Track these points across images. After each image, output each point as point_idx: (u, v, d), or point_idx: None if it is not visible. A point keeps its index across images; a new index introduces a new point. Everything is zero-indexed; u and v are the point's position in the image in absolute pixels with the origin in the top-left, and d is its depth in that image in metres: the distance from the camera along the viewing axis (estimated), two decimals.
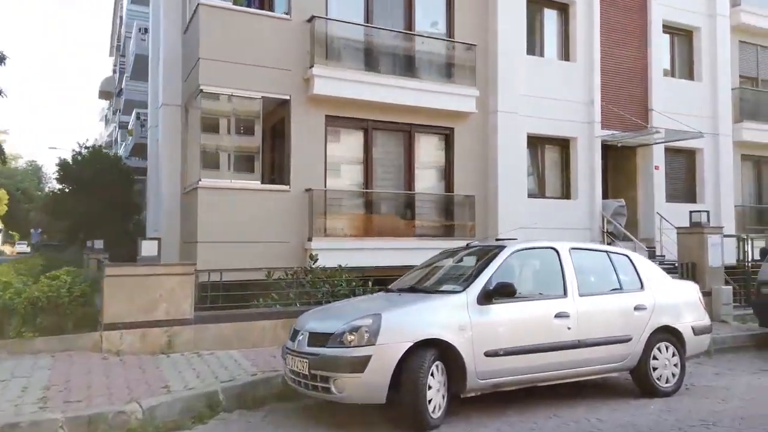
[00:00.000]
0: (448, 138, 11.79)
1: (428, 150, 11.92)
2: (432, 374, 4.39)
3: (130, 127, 25.08)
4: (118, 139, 34.85)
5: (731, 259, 11.79)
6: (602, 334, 5.19)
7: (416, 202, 11.31)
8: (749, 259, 11.51)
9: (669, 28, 14.25)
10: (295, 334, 4.94)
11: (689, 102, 14.08)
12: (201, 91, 9.58)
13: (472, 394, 4.76)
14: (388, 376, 4.27)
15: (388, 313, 4.53)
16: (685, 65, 14.70)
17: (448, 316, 4.59)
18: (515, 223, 11.67)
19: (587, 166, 12.83)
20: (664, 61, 14.27)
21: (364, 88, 10.43)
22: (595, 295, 5.34)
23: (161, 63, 11.85)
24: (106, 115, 49.03)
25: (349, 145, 11.09)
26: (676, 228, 11.35)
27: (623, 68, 13.53)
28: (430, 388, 4.36)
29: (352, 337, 4.37)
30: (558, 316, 5.02)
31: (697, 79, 14.54)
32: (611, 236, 12.68)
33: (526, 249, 5.38)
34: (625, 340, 5.31)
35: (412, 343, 4.35)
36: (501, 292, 4.75)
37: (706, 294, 9.86)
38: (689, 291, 6.05)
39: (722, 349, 8.01)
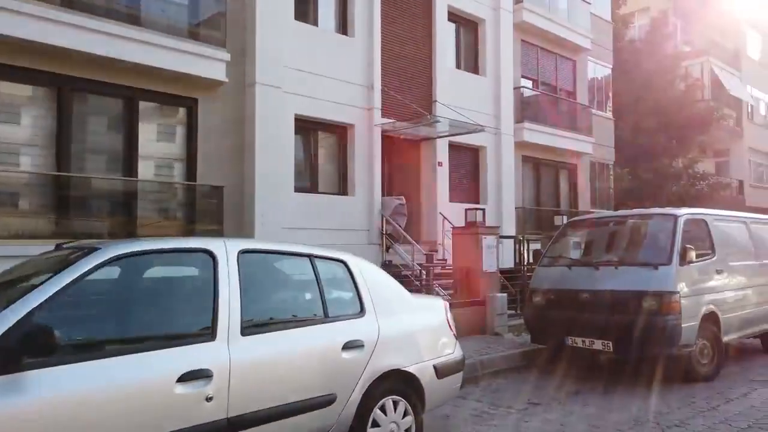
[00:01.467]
0: (190, 112, 9.19)
1: (161, 125, 9.20)
2: None
3: None
4: None
5: (511, 263, 11.04)
6: (280, 401, 3.05)
7: (139, 194, 8.51)
8: (526, 263, 10.84)
9: (455, 17, 13.39)
10: None
11: (474, 97, 13.36)
12: None
13: None
14: None
15: None
16: (471, 58, 14.01)
17: None
18: (278, 223, 9.53)
19: (366, 158, 11.22)
20: (450, 51, 13.38)
21: (54, 30, 7.37)
22: (275, 330, 3.24)
23: None
24: None
25: (31, 111, 7.91)
26: (451, 228, 10.21)
27: (407, 53, 12.25)
28: None
29: None
30: (187, 378, 2.75)
31: (482, 74, 13.93)
32: (390, 238, 11.21)
33: (136, 254, 2.94)
34: (325, 402, 3.26)
35: None
36: (34, 347, 2.32)
37: (480, 303, 8.69)
38: (434, 311, 4.22)
39: (492, 373, 6.66)
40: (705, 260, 6.59)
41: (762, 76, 28.16)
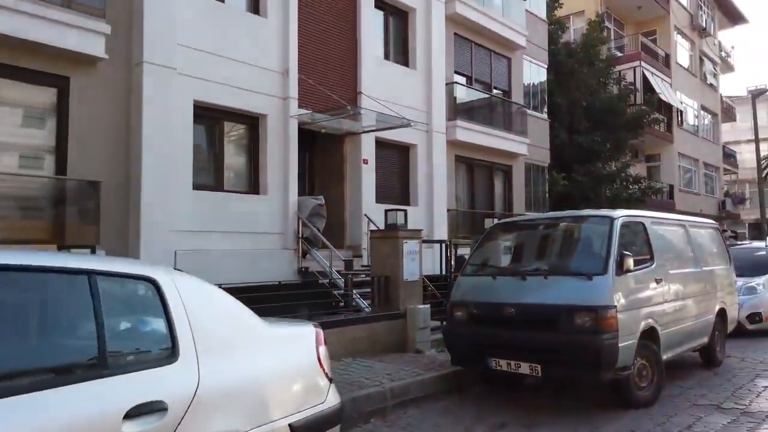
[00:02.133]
0: (61, 93, 7.75)
1: (24, 108, 7.72)
2: None
3: None
4: None
5: (440, 270, 10.13)
6: None
7: None
8: (453, 270, 9.94)
9: (383, 3, 12.44)
10: None
11: (403, 91, 12.43)
12: None
13: None
14: None
15: None
16: (400, 49, 13.09)
17: None
18: (171, 226, 8.23)
19: (281, 153, 10.03)
20: (378, 41, 12.40)
21: None
22: None
23: None
24: None
25: None
26: (370, 231, 9.20)
27: (329, 38, 11.17)
28: None
29: None
30: None
31: (412, 67, 13.03)
32: (307, 243, 10.07)
33: None
34: None
35: None
36: None
37: (399, 316, 7.69)
38: (298, 345, 3.14)
39: (404, 402, 5.65)
40: (643, 268, 5.83)
41: (691, 83, 28.86)
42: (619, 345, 5.14)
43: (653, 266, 5.99)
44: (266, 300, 7.42)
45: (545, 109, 18.11)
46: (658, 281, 5.99)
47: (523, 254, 6.55)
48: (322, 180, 12.01)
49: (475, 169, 15.27)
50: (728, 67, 34.99)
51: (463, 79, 14.84)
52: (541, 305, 5.40)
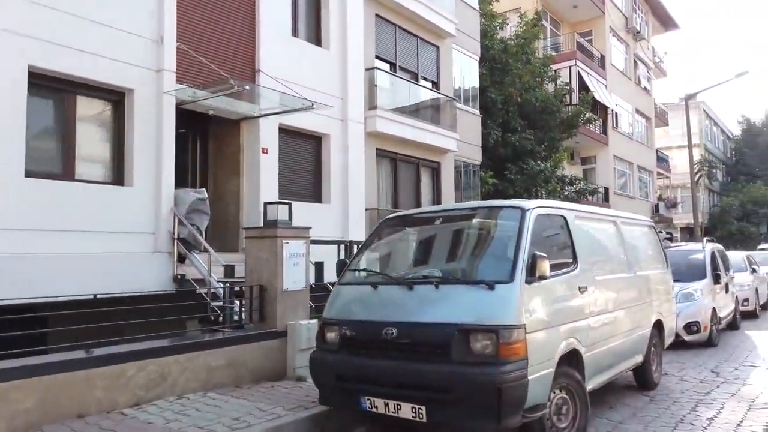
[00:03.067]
0: None
1: None
2: None
3: None
4: None
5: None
6: None
7: None
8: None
9: None
10: None
11: (314, 73, 10.94)
12: None
13: None
14: None
15: None
16: (312, 26, 11.60)
17: None
18: None
19: (152, 136, 8.32)
20: (284, 13, 10.82)
21: None
22: None
23: None
24: None
25: None
26: (244, 229, 7.65)
27: (221, 4, 9.55)
28: None
29: None
30: None
31: (325, 47, 11.57)
32: (185, 245, 8.38)
33: None
34: None
35: None
36: None
37: (278, 335, 6.18)
38: None
39: None
40: (563, 274, 4.57)
41: (625, 86, 28.76)
42: (529, 378, 3.82)
43: (576, 271, 4.74)
44: (125, 315, 5.79)
45: (477, 105, 17.04)
46: (582, 290, 4.74)
47: (416, 256, 5.18)
48: (216, 172, 10.36)
49: (400, 165, 13.94)
50: (661, 72, 35.41)
51: (386, 66, 13.51)
52: (428, 325, 4.02)
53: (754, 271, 13.44)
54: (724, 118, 50.66)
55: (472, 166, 16.54)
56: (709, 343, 9.18)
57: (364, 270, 4.89)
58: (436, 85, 15.13)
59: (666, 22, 33.81)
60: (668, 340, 6.98)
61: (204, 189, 9.03)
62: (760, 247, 23.24)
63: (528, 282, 4.02)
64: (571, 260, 4.81)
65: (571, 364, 4.44)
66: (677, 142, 37.99)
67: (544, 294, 4.20)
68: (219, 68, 8.92)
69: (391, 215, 5.47)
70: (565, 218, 4.93)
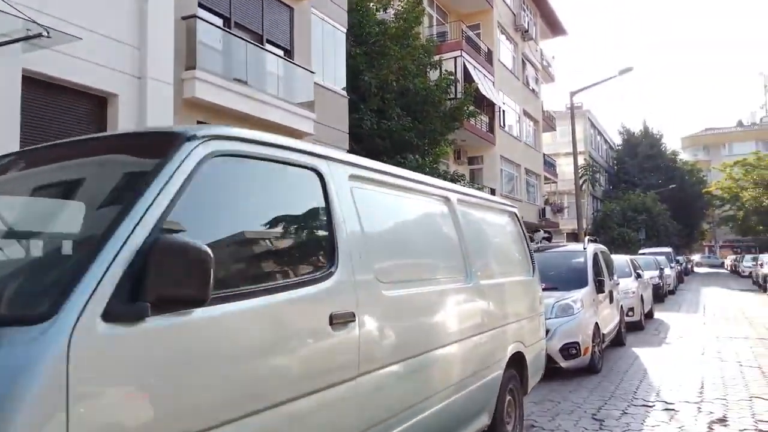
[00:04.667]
0: None
1: None
2: None
3: None
4: None
5: None
6: None
7: None
8: None
9: None
10: None
11: (92, 7, 7.92)
12: None
13: None
14: None
15: None
16: None
17: None
18: None
19: None
20: None
21: None
22: None
23: None
24: None
25: None
26: None
27: None
28: None
29: None
30: None
31: None
32: None
33: None
34: None
35: None
36: None
37: None
38: None
39: None
40: (289, 287, 2.07)
41: (513, 85, 27.86)
42: None
43: (330, 281, 2.26)
44: None
45: (344, 84, 14.65)
46: (340, 321, 2.26)
47: None
48: None
49: None
50: (549, 77, 35.28)
51: (217, 20, 10.71)
52: None
53: (638, 276, 12.04)
54: (608, 128, 52.58)
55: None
56: (591, 369, 7.25)
57: None
58: (289, 53, 12.54)
59: (554, 26, 33.67)
60: (534, 379, 4.77)
61: None
62: (641, 251, 22.88)
63: (114, 319, 1.45)
64: (326, 261, 2.32)
65: None
66: (564, 149, 38.16)
67: (187, 346, 1.66)
68: None
69: None
70: (319, 174, 2.43)
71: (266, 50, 11.73)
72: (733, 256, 46.05)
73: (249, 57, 11.21)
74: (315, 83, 12.79)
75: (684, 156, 58.77)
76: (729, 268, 44.37)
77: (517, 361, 4.32)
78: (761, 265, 23.56)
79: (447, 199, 3.70)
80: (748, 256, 35.78)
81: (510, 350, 4.15)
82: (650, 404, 5.71)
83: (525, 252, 4.98)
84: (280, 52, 12.33)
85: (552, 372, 6.77)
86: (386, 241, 2.87)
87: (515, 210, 5.16)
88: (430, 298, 3.07)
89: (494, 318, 3.88)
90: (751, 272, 29.17)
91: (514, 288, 4.42)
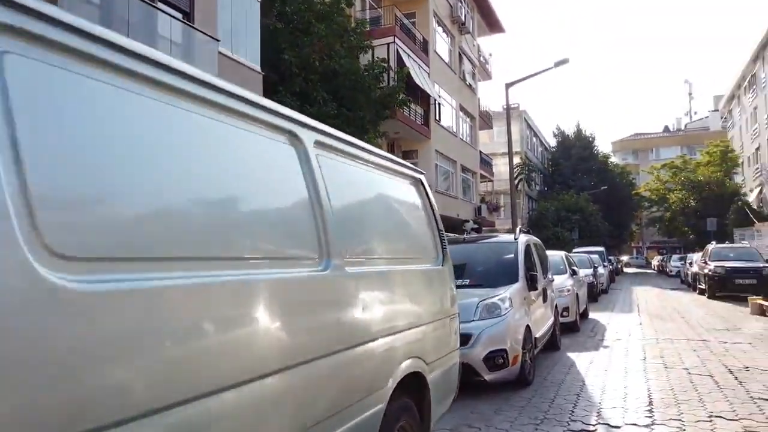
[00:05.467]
0: None
1: None
2: None
3: None
4: None
5: None
6: None
7: None
8: None
9: None
10: None
11: None
12: None
13: None
14: None
15: None
16: None
17: None
18: None
19: None
20: None
21: None
22: None
23: None
24: None
25: None
26: None
27: None
28: None
29: None
30: None
31: None
32: None
33: None
34: None
35: None
36: None
37: None
38: None
39: None
40: None
41: (450, 79, 27.00)
42: None
43: None
44: None
45: (257, 58, 13.08)
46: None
47: None
48: None
49: None
50: (486, 74, 34.78)
51: None
52: None
53: (574, 273, 11.13)
54: (543, 130, 53.10)
55: None
56: (521, 381, 6.07)
57: None
58: (188, 17, 10.87)
59: (492, 23, 33.17)
60: (441, 407, 3.47)
61: None
62: (575, 250, 22.44)
63: None
64: None
65: None
66: (501, 149, 37.78)
67: None
68: None
69: None
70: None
71: (158, 8, 10.02)
72: (660, 257, 47.52)
73: (133, 15, 9.48)
74: (220, 53, 11.19)
75: (615, 159, 60.30)
76: (656, 269, 45.64)
77: (414, 384, 3.00)
78: (690, 264, 23.69)
79: (295, 137, 2.31)
80: (675, 256, 36.59)
81: (401, 371, 2.82)
82: (591, 428, 4.56)
83: (432, 233, 3.68)
84: (178, 15, 10.64)
85: (473, 387, 5.56)
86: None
87: (422, 177, 3.84)
88: (211, 295, 1.67)
89: (370, 324, 2.53)
90: (679, 271, 29.63)
91: (410, 280, 3.10)
